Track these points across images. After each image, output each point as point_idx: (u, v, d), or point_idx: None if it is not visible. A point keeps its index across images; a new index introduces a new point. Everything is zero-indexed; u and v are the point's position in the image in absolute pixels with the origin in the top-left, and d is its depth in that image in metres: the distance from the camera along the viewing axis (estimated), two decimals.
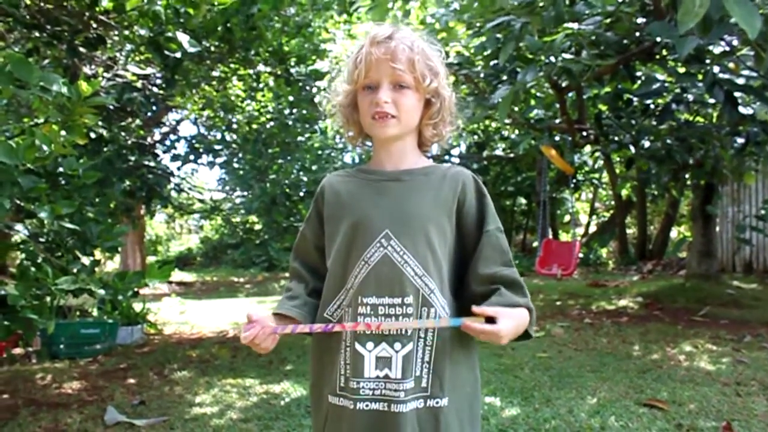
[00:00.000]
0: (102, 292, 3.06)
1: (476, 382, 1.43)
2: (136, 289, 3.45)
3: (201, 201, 15.52)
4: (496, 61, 4.77)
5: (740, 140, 5.70)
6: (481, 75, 5.51)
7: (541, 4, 4.04)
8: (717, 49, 4.46)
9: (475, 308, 1.27)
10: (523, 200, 15.89)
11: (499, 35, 4.43)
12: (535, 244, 9.94)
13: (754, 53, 4.19)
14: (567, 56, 4.29)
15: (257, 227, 17.41)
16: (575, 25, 4.15)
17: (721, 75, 4.19)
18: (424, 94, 1.41)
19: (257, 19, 5.58)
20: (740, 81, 4.41)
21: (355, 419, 1.31)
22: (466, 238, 1.41)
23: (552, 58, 4.22)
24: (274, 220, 13.29)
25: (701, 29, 3.09)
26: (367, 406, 1.32)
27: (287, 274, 1.56)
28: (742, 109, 4.76)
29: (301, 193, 13.53)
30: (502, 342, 1.27)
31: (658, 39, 4.05)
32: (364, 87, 1.39)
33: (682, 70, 4.74)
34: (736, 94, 4.20)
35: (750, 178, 6.69)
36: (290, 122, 10.08)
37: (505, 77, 5.02)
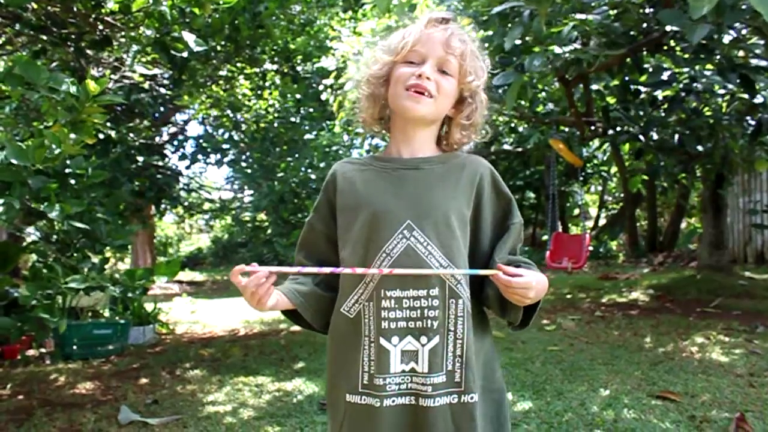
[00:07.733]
0: (112, 288, 3.08)
1: (501, 378, 1.41)
2: (145, 286, 3.47)
3: (210, 200, 15.57)
4: (502, 54, 4.74)
5: (751, 127, 5.65)
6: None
7: None
8: (726, 39, 4.41)
9: (500, 265, 1.25)
10: (532, 194, 15.83)
11: (506, 27, 4.40)
12: (545, 237, 9.90)
13: (764, 42, 4.15)
14: (576, 46, 4.26)
15: (265, 225, 17.39)
16: (582, 16, 4.13)
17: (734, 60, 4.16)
18: (461, 90, 1.38)
19: (264, 17, 5.58)
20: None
21: (383, 417, 1.27)
22: (481, 232, 1.38)
23: (558, 48, 4.19)
24: (280, 216, 13.30)
25: (715, 13, 3.07)
26: (393, 402, 1.28)
27: None
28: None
29: (310, 190, 13.52)
30: (528, 295, 1.23)
31: (668, 28, 4.01)
32: (405, 61, 1.34)
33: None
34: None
35: (761, 164, 6.61)
36: (297, 120, 10.09)
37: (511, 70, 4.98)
